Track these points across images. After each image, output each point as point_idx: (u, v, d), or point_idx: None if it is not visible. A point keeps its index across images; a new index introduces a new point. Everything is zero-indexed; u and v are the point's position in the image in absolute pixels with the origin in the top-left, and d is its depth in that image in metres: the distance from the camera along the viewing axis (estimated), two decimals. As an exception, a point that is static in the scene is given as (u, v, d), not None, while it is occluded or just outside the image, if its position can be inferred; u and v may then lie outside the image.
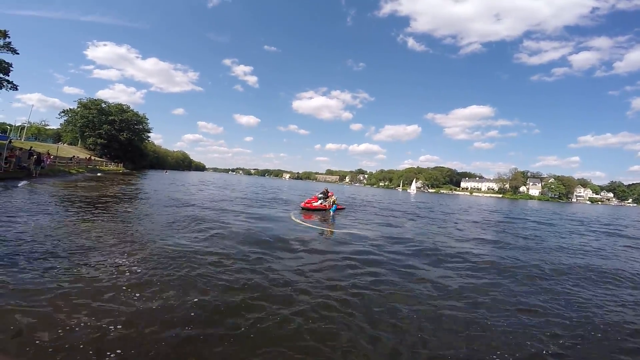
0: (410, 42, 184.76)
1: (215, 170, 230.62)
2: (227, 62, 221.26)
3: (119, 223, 8.27)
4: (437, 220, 16.24)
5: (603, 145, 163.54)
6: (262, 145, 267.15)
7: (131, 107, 59.78)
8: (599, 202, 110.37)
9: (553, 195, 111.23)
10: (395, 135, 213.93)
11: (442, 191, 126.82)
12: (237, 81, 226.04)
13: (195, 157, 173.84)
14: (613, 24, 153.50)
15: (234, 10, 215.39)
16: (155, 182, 29.68)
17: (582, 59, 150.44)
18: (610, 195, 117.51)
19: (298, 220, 11.77)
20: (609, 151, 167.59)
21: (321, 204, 15.92)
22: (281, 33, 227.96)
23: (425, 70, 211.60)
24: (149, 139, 69.64)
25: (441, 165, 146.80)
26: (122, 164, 51.09)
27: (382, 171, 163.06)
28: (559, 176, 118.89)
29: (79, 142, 53.23)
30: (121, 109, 56.67)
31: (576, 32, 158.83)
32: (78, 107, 52.32)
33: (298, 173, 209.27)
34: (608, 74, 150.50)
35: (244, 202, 17.88)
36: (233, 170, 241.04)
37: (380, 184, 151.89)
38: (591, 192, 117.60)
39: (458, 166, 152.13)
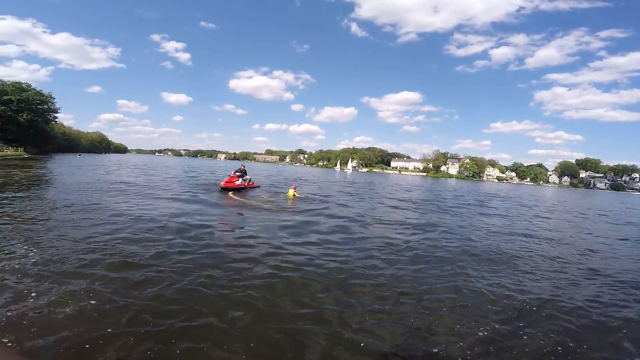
0: (354, 27, 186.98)
1: (139, 152, 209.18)
2: (156, 37, 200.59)
3: (9, 215, 7.04)
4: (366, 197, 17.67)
5: (509, 131, 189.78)
6: (194, 125, 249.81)
7: (33, 86, 51.24)
8: (504, 181, 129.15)
9: (468, 174, 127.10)
10: (334, 116, 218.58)
11: (374, 170, 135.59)
12: (166, 58, 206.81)
13: (114, 138, 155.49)
14: (532, 23, 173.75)
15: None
16: (62, 166, 25.94)
17: (501, 53, 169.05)
18: (513, 174, 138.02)
19: (250, 202, 11.71)
20: (514, 136, 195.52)
21: (242, 182, 15.34)
22: (221, 10, 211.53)
23: (364, 56, 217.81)
24: (57, 119, 60.20)
25: (374, 146, 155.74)
26: (22, 149, 43.49)
27: (321, 151, 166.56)
28: (473, 157, 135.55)
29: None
30: (19, 88, 48.34)
31: (500, 29, 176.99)
32: (-39, 87, 43.06)
33: (235, 153, 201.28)
34: (520, 68, 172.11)
35: (165, 184, 16.67)
36: (160, 152, 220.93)
37: (320, 163, 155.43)
38: (498, 171, 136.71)
39: (389, 147, 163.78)
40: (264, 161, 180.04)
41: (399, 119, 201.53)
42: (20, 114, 46.41)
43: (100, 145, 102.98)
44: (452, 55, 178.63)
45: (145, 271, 4.42)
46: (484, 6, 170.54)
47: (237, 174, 15.59)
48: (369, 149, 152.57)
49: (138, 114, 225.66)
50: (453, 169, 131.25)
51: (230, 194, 13.70)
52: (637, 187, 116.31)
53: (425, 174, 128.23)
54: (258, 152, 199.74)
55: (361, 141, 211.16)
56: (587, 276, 5.87)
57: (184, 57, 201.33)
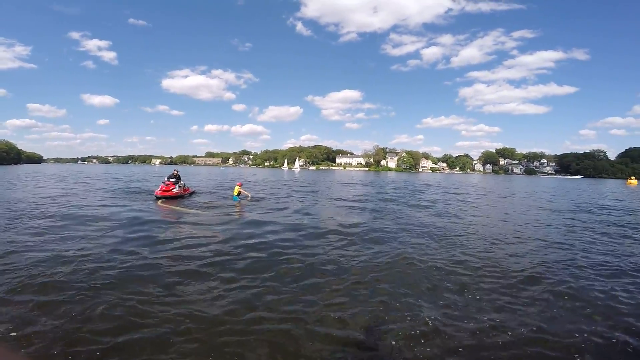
0: (299, 26, 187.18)
1: (57, 161, 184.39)
2: (75, 35, 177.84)
3: None
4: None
5: (439, 126, 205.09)
6: (123, 128, 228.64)
7: None
8: (437, 171, 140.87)
9: (405, 167, 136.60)
10: (279, 116, 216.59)
11: (321, 167, 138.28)
12: (87, 57, 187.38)
13: (27, 147, 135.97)
14: (458, 24, 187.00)
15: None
16: None
17: (430, 53, 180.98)
18: (444, 165, 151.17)
19: (188, 210, 10.80)
20: (443, 130, 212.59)
21: (179, 190, 14.35)
22: (154, 6, 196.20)
23: (308, 55, 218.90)
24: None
25: (319, 144, 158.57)
26: None
27: (267, 151, 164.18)
28: (409, 151, 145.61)
29: None
30: None
31: (430, 29, 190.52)
32: None
33: (171, 157, 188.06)
34: (446, 67, 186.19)
35: (87, 197, 14.76)
36: (84, 160, 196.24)
37: (266, 164, 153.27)
38: (432, 163, 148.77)
39: (333, 144, 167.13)
40: (205, 164, 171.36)
41: (342, 117, 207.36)
42: None
43: (8, 156, 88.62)
44: (388, 55, 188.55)
45: (68, 292, 4.06)
46: (417, 7, 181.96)
47: (171, 180, 14.36)
48: (315, 147, 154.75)
49: (54, 118, 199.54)
50: (392, 163, 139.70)
51: (160, 202, 12.71)
52: (546, 171, 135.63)
53: (367, 168, 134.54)
54: (198, 155, 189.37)
55: (307, 139, 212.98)
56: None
57: (109, 55, 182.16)
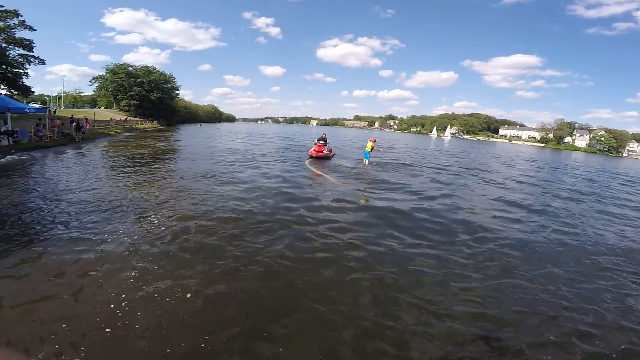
0: None
1: (245, 120, 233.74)
2: (247, 15, 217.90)
3: (161, 179, 9.55)
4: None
5: None
6: (289, 93, 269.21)
7: (157, 68, 61.77)
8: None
9: (601, 148, 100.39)
10: (429, 81, 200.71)
11: (479, 137, 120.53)
12: (259, 33, 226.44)
13: (225, 109, 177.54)
14: None
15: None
16: (189, 135, 33.05)
17: None
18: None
19: (333, 180, 11.26)
20: None
21: (327, 152, 16.45)
22: None
23: (461, 18, 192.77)
24: (179, 96, 71.42)
25: (478, 112, 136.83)
26: (156, 122, 53.47)
27: (413, 117, 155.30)
28: (610, 129, 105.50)
29: (114, 105, 56.38)
30: (148, 71, 58.56)
31: None
32: (107, 73, 54.81)
33: (325, 119, 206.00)
34: None
35: (277, 154, 19.00)
36: (262, 120, 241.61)
37: (412, 129, 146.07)
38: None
39: (497, 113, 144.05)
40: (353, 127, 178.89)
41: (511, 84, 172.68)
42: (151, 93, 56.83)
43: (214, 116, 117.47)
44: (580, 17, 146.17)
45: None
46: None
47: (321, 142, 16.41)
48: (471, 114, 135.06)
49: (242, 86, 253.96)
50: (581, 141, 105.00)
51: (308, 161, 14.92)
52: None
53: (542, 144, 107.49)
54: (347, 118, 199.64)
55: (462, 107, 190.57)
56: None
57: (275, 31, 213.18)
